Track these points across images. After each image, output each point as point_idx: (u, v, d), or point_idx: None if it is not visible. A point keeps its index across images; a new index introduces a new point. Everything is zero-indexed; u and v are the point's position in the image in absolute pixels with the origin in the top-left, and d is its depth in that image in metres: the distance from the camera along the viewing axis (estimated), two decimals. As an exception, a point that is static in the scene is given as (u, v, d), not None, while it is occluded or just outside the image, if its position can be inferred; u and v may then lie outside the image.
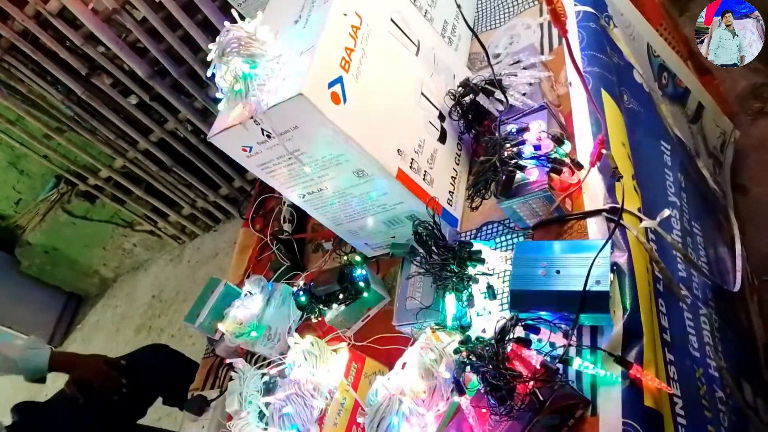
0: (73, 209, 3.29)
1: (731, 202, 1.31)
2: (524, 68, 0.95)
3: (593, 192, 0.81)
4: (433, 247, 0.83)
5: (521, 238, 0.88)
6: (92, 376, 1.59)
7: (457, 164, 1.01)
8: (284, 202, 1.35)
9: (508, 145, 0.82)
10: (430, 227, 0.84)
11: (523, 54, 0.99)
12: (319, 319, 1.05)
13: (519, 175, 0.80)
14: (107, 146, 2.74)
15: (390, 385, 0.74)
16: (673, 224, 0.96)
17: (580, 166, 0.80)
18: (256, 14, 0.85)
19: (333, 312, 1.02)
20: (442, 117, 1.00)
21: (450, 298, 0.81)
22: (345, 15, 0.85)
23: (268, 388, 0.93)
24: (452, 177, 0.99)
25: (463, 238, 0.94)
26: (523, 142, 0.81)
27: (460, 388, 0.70)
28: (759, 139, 1.50)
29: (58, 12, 2.13)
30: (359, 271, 1.00)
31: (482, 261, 0.81)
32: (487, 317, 0.81)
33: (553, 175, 0.79)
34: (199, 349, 1.43)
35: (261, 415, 0.91)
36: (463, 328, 0.79)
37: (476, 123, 0.98)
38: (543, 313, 0.72)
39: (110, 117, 2.57)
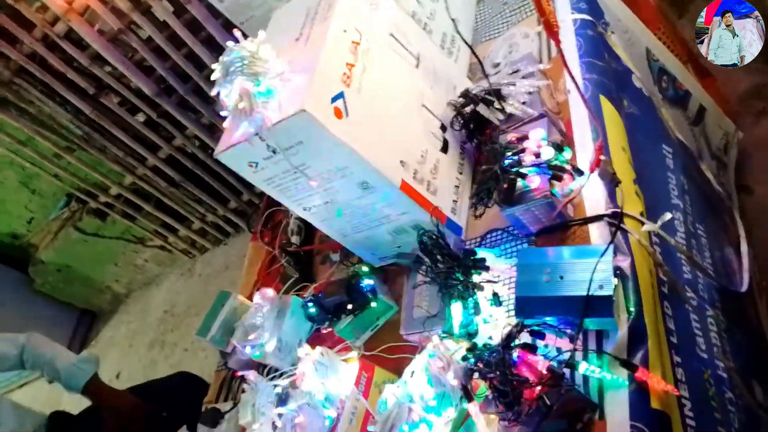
0: (84, 227, 3.32)
1: (736, 203, 1.31)
2: (523, 77, 0.97)
3: (595, 197, 0.82)
4: (438, 256, 0.84)
5: (525, 245, 0.89)
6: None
7: (460, 173, 1.02)
8: (291, 215, 1.37)
9: (509, 154, 0.83)
10: (434, 236, 0.85)
11: (522, 63, 1.00)
12: (329, 329, 1.06)
13: (520, 182, 0.81)
14: (117, 164, 2.78)
15: (399, 393, 0.75)
16: (677, 227, 0.96)
17: (580, 173, 0.81)
18: (259, 33, 0.87)
19: (342, 322, 1.03)
20: (443, 127, 1.01)
21: (456, 306, 0.82)
22: (345, 31, 0.87)
23: (281, 399, 0.95)
24: (455, 186, 1.00)
25: (468, 246, 0.96)
26: (523, 150, 0.82)
27: (468, 394, 0.71)
28: (762, 138, 1.50)
29: (65, 34, 2.17)
30: (366, 282, 1.01)
31: (487, 268, 0.82)
32: (494, 324, 0.82)
33: (554, 181, 0.80)
34: (212, 363, 1.45)
35: (274, 427, 0.92)
36: (470, 336, 0.80)
37: (477, 132, 0.99)
38: (548, 318, 0.73)
39: (119, 135, 2.61)
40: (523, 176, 0.81)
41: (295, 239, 1.33)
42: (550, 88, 0.98)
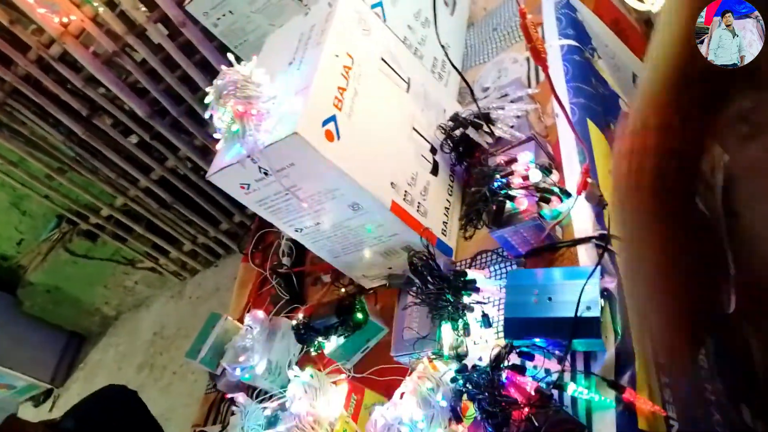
0: (74, 248, 3.30)
1: (723, 226, 1.33)
2: (512, 101, 0.99)
3: (583, 219, 0.84)
4: (429, 277, 0.85)
5: (514, 266, 0.90)
6: None
7: (450, 195, 1.04)
8: (283, 236, 1.37)
9: (497, 176, 0.84)
10: (425, 257, 0.86)
11: (511, 87, 1.02)
12: (319, 352, 1.06)
13: (509, 204, 0.82)
14: (108, 185, 2.78)
15: (389, 415, 0.75)
16: (664, 249, 0.97)
17: (568, 195, 0.83)
18: (252, 58, 0.89)
19: (332, 344, 1.03)
20: (434, 150, 1.02)
21: (446, 328, 0.82)
22: (337, 56, 0.88)
23: (270, 422, 0.94)
24: (446, 208, 1.01)
25: (458, 268, 0.96)
26: (512, 173, 0.83)
27: (457, 416, 0.71)
28: (748, 163, 1.52)
29: (59, 56, 2.19)
30: (357, 304, 1.01)
31: (476, 290, 0.83)
32: (484, 345, 0.82)
33: (542, 203, 0.81)
34: (202, 386, 1.43)
35: (263, 450, 0.92)
36: (460, 357, 0.80)
37: (467, 155, 1.01)
38: (537, 339, 0.73)
39: (111, 156, 2.62)
40: (512, 198, 0.82)
41: (286, 260, 1.33)
42: (538, 112, 1.00)
